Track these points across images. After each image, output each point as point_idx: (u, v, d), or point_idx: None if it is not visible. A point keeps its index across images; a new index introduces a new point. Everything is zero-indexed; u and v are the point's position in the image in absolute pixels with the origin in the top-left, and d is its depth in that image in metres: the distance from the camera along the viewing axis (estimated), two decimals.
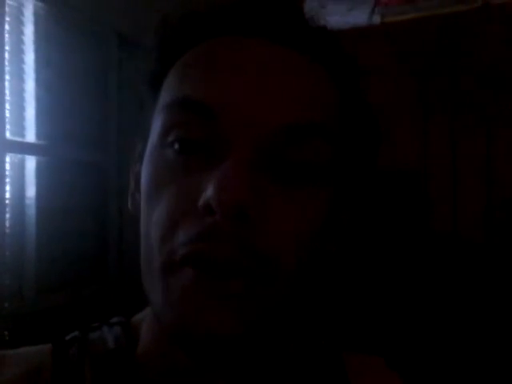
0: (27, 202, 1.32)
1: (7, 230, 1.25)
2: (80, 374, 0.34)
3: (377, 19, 1.27)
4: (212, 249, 0.28)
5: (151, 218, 0.31)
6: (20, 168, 1.32)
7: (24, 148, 1.32)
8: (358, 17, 1.25)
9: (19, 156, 1.32)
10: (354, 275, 1.30)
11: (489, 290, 1.22)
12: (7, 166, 1.25)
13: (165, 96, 0.33)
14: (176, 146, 0.31)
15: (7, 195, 1.25)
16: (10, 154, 1.28)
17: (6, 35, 1.25)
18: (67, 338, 0.37)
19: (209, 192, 0.28)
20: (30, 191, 1.32)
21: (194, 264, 0.29)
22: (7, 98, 1.26)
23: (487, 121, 1.22)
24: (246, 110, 0.30)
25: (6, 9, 1.24)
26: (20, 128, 1.32)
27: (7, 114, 1.26)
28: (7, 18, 1.25)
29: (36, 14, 1.34)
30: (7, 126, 1.26)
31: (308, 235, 0.31)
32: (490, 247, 1.22)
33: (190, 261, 0.29)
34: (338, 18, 1.17)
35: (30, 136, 1.34)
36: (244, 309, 0.29)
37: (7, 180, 1.25)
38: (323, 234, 0.33)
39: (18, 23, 1.31)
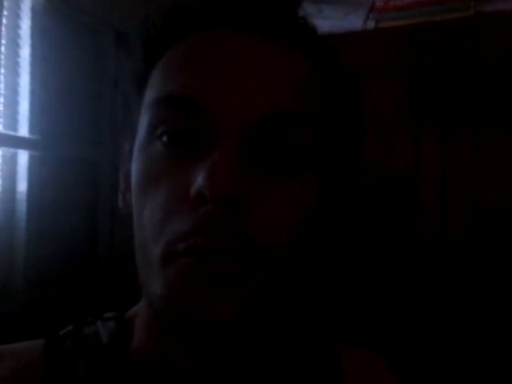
0: (18, 196, 1.31)
1: None
2: (74, 369, 0.34)
3: (371, 24, 1.29)
4: (210, 241, 0.29)
5: (144, 212, 0.32)
6: (12, 162, 1.31)
7: (17, 142, 1.31)
8: (354, 22, 1.28)
9: (12, 150, 1.31)
10: (346, 272, 1.31)
11: (475, 294, 1.23)
12: None
13: (150, 93, 0.34)
14: (164, 138, 0.31)
15: None
16: (3, 148, 1.27)
17: (3, 29, 1.25)
18: (61, 332, 0.37)
19: (200, 181, 0.28)
20: (22, 186, 1.32)
21: (193, 254, 0.29)
22: (1, 91, 1.25)
23: (477, 126, 1.23)
24: (230, 102, 0.30)
25: (4, 3, 1.24)
26: (13, 122, 1.31)
27: (1, 107, 1.26)
28: (5, 12, 1.25)
29: (33, 9, 1.34)
30: (0, 120, 1.25)
31: (298, 221, 0.32)
32: (476, 251, 1.24)
33: (189, 253, 0.29)
34: (334, 22, 1.19)
35: (23, 130, 1.33)
36: (239, 292, 0.29)
37: None
38: (312, 221, 0.33)
39: (15, 17, 1.31)
